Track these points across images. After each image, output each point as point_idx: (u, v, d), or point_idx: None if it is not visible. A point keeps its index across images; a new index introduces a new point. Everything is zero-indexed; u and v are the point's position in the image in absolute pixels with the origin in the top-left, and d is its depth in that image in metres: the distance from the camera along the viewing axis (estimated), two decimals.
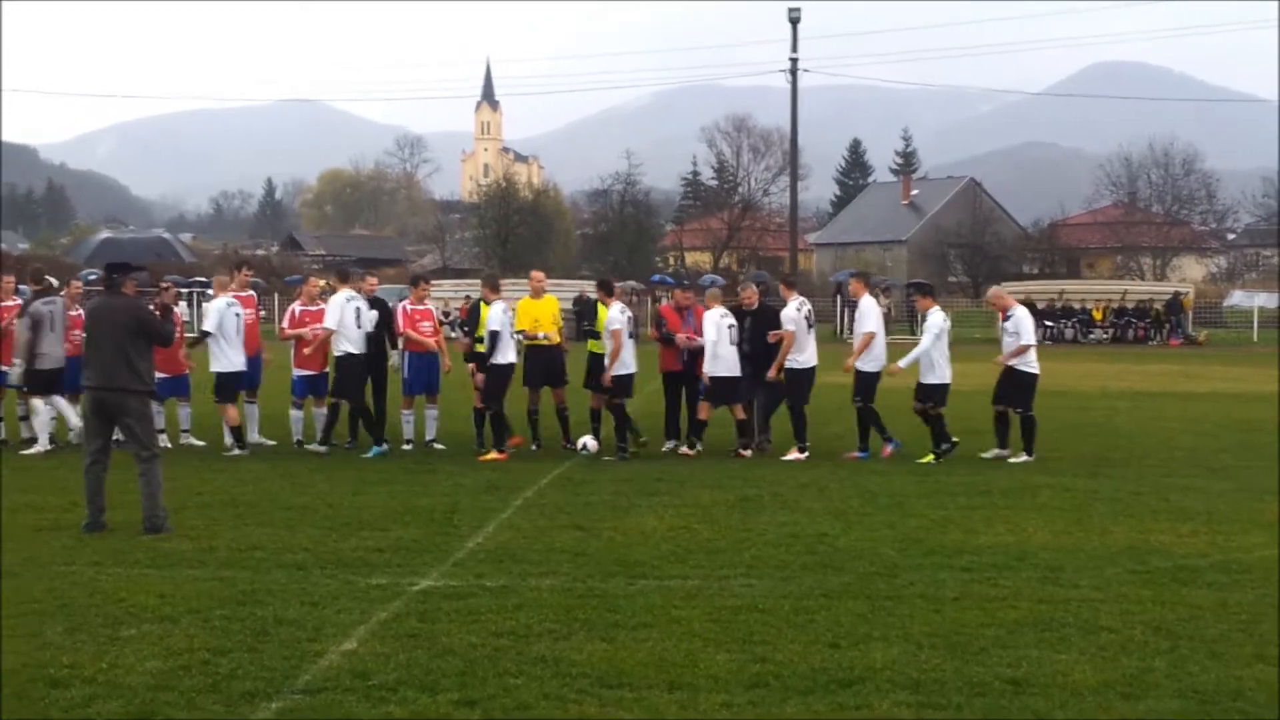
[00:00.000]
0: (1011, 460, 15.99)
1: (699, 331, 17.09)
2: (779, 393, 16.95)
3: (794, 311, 16.69)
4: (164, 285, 18.05)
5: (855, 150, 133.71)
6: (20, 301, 17.62)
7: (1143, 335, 55.06)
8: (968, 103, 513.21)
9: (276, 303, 50.01)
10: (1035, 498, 13.30)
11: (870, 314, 16.68)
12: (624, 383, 16.57)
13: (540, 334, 17.02)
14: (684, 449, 16.62)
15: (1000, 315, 17.05)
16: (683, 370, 17.28)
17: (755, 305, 17.14)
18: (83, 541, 10.83)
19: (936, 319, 16.54)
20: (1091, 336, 55.46)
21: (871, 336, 16.54)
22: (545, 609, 8.51)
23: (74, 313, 16.98)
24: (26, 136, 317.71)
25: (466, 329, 17.20)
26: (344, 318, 16.53)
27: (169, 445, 16.11)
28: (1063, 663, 7.40)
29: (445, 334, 17.37)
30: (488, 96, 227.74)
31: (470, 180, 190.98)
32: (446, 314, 44.83)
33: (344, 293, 16.75)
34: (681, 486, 13.89)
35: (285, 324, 17.72)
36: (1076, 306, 57.26)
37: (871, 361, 16.53)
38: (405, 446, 17.06)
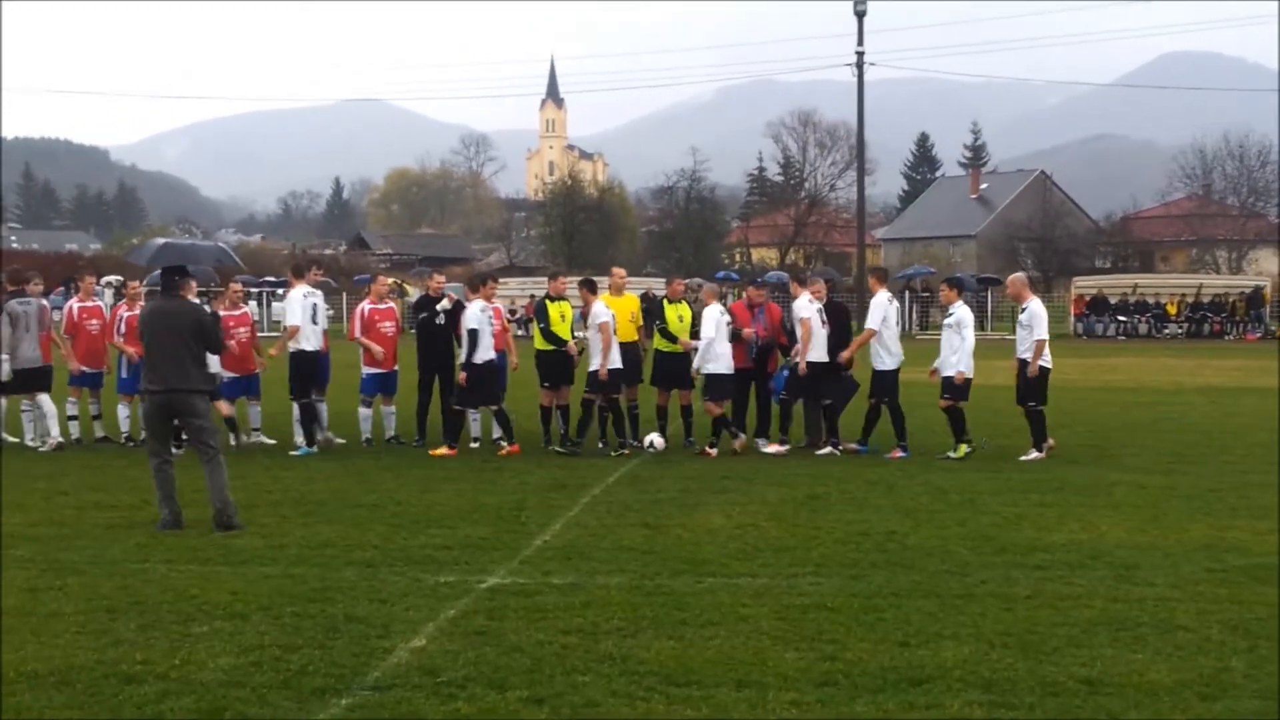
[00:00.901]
0: (1021, 458, 15.71)
1: (770, 329, 17.10)
2: (848, 390, 16.87)
3: (806, 302, 16.62)
4: (234, 287, 18.21)
5: (923, 144, 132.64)
6: (99, 303, 17.89)
7: (1218, 330, 54.20)
8: (1035, 95, 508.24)
9: (344, 302, 50.49)
10: (1109, 495, 13.11)
11: (875, 310, 16.55)
12: (611, 378, 16.52)
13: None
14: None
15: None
16: (753, 367, 17.22)
17: (824, 301, 17.03)
18: (155, 539, 10.95)
19: (966, 314, 16.27)
20: (1166, 331, 54.67)
21: (872, 334, 16.37)
22: (613, 607, 8.50)
23: (136, 313, 17.24)
24: (98, 138, 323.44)
25: (543, 326, 17.28)
26: (303, 314, 16.62)
27: (232, 444, 16.28)
28: (1138, 662, 7.29)
29: (513, 332, 17.40)
30: (552, 94, 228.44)
31: (535, 178, 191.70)
32: (513, 312, 45.15)
33: (300, 289, 16.82)
34: (749, 484, 13.85)
35: (355, 324, 17.79)
36: (1150, 301, 56.44)
37: (890, 359, 16.37)
38: (473, 445, 17.12)
